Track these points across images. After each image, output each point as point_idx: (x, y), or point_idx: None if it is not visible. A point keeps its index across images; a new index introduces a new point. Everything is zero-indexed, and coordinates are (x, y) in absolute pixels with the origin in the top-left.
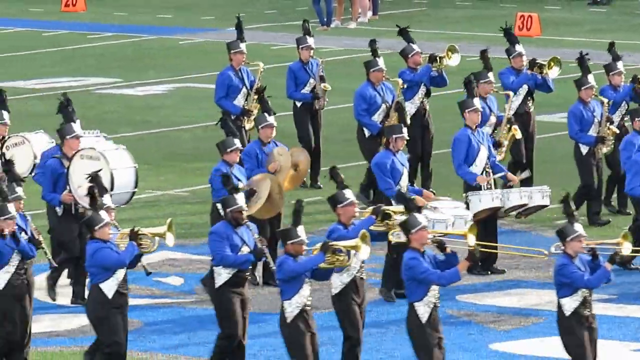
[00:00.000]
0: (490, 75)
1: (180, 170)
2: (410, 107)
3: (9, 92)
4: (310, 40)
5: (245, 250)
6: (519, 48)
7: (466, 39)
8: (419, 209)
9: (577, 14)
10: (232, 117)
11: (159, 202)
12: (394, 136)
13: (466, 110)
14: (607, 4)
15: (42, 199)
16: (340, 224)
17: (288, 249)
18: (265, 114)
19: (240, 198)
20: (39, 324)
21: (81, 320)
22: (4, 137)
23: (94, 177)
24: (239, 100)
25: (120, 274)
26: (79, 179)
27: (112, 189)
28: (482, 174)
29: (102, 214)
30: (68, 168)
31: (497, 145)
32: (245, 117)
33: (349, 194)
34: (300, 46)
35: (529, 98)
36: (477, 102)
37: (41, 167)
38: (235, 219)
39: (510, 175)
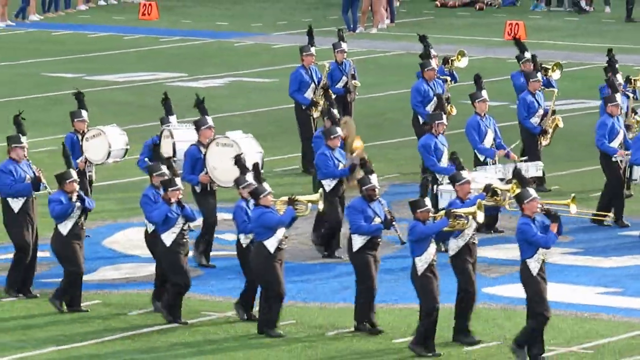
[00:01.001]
0: (538, 75)
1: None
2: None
3: (99, 85)
4: (344, 45)
5: (377, 220)
6: (527, 55)
7: (466, 42)
8: (529, 184)
9: (555, 21)
10: (303, 108)
11: None
12: (436, 122)
13: (476, 101)
14: (579, 14)
15: (182, 180)
16: (458, 198)
17: (417, 216)
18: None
19: (374, 178)
20: (119, 272)
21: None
22: (83, 132)
23: (238, 159)
24: (308, 94)
25: (280, 233)
26: (214, 162)
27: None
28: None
29: (265, 185)
30: (205, 154)
31: (543, 132)
32: (313, 108)
33: (465, 174)
34: (336, 49)
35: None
36: (484, 93)
37: (144, 154)
38: (369, 195)
39: (512, 155)
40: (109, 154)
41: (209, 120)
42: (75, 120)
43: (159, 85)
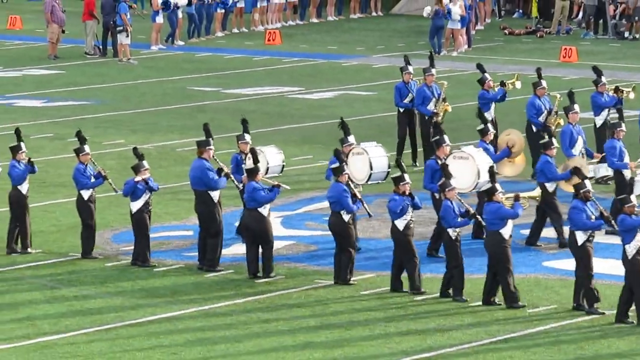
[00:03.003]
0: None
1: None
2: (488, 115)
3: (232, 97)
4: (434, 70)
5: (593, 218)
6: (603, 79)
7: (528, 63)
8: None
9: (602, 47)
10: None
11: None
12: (617, 129)
13: (569, 112)
14: (621, 40)
15: (423, 188)
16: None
17: (625, 210)
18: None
19: (587, 183)
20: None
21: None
22: (246, 152)
23: (444, 166)
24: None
25: (510, 223)
26: (455, 175)
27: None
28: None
29: (498, 186)
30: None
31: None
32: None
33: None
34: (426, 73)
35: (610, 112)
36: (576, 106)
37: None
38: (586, 197)
39: (597, 154)
40: (267, 169)
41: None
42: (240, 142)
43: (281, 97)
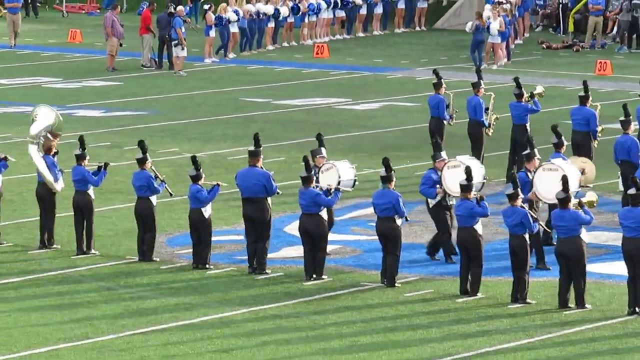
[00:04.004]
0: None
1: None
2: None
3: (282, 107)
4: (482, 83)
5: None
6: None
7: (566, 76)
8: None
9: (635, 60)
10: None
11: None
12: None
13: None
14: None
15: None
16: None
17: None
18: None
19: None
20: (296, 251)
21: None
22: (320, 167)
23: (512, 178)
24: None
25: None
26: (545, 186)
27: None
28: None
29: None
30: (533, 178)
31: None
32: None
33: None
34: (478, 87)
35: None
36: (631, 119)
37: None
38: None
39: None
40: (339, 183)
41: (536, 152)
42: (317, 156)
43: (329, 108)
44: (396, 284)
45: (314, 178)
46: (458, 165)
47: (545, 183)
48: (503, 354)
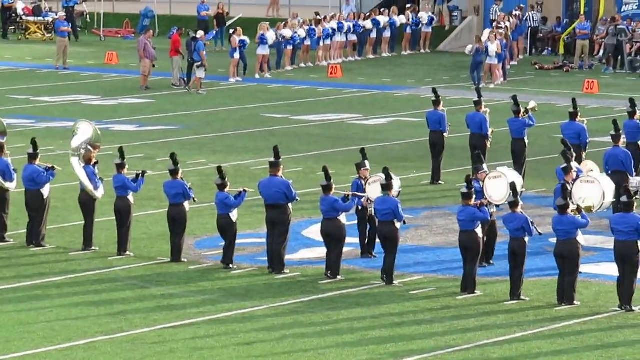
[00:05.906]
0: None
1: (394, 167)
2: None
3: (299, 122)
4: (483, 101)
5: None
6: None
7: (556, 94)
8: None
9: (619, 80)
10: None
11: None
12: None
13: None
14: (636, 74)
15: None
16: None
17: None
18: None
19: None
20: (313, 253)
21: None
22: (366, 178)
23: (513, 187)
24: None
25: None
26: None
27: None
28: None
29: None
30: (571, 189)
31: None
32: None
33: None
34: (477, 105)
35: None
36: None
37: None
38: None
39: None
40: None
41: (574, 165)
42: (362, 169)
43: (342, 123)
44: (394, 281)
45: (333, 186)
46: (499, 176)
47: (582, 194)
48: (499, 346)
